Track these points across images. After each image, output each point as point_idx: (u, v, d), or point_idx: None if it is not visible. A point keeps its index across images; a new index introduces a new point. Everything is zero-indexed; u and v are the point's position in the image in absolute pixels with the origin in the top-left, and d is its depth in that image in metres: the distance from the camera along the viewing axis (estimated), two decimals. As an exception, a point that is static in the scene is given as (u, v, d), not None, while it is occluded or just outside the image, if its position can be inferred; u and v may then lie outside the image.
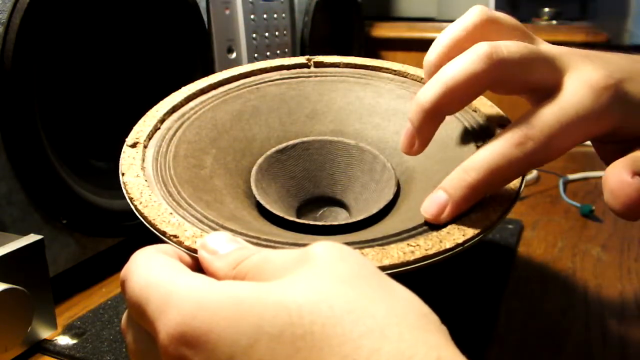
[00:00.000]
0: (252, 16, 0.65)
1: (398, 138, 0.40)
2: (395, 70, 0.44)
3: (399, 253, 0.27)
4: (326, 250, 0.23)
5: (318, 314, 0.20)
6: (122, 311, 0.41)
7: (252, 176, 0.37)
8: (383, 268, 0.27)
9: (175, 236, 0.29)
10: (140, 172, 0.33)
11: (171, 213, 0.30)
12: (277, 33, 0.70)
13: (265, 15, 0.67)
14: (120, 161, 0.34)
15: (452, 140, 0.38)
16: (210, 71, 0.59)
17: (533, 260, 0.50)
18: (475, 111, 0.39)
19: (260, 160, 0.39)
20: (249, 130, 0.41)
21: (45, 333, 0.38)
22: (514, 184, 0.32)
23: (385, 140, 0.41)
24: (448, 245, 0.28)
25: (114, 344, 0.37)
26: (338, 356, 0.19)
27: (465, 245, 0.28)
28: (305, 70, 0.45)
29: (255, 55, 0.66)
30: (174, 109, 0.40)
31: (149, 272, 0.24)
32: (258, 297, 0.21)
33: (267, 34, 0.68)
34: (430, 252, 0.27)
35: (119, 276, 0.26)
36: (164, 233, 0.29)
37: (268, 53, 0.68)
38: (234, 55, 0.63)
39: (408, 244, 0.28)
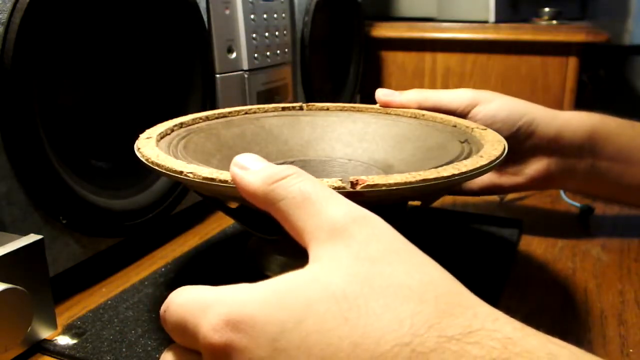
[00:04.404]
0: (252, 16, 0.64)
1: (386, 156, 0.45)
2: (379, 109, 0.50)
3: (402, 177, 0.30)
4: (361, 227, 0.24)
5: (360, 292, 0.21)
6: (122, 311, 0.41)
7: None
8: (388, 185, 0.29)
9: (192, 172, 0.31)
10: (155, 148, 0.36)
11: (186, 166, 0.32)
12: (277, 33, 0.70)
13: (265, 15, 0.67)
14: (135, 144, 0.38)
15: (437, 145, 0.42)
16: (211, 71, 0.59)
17: (533, 260, 0.50)
18: (455, 126, 0.45)
19: None
20: (250, 149, 0.44)
21: (45, 333, 0.38)
22: (499, 144, 0.38)
23: (375, 158, 0.46)
24: (445, 174, 0.31)
25: (114, 344, 0.37)
26: (385, 320, 0.20)
27: (462, 176, 0.32)
28: (300, 111, 0.51)
29: (255, 55, 0.66)
30: (181, 125, 0.44)
31: (185, 295, 0.25)
32: (300, 289, 0.22)
33: (267, 34, 0.68)
34: (430, 177, 0.30)
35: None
36: (180, 172, 0.31)
37: (268, 53, 0.68)
38: (234, 55, 0.63)
39: (409, 173, 0.31)
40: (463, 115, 0.49)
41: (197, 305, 0.23)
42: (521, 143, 0.49)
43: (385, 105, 0.50)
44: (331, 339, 0.20)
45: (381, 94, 0.50)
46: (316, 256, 0.23)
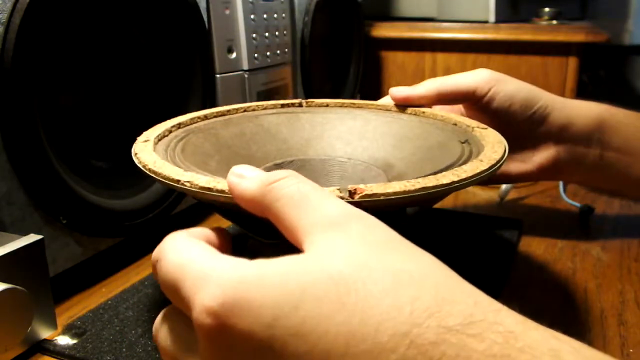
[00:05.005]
0: (252, 16, 0.64)
1: (386, 155, 0.45)
2: (379, 105, 0.50)
3: (400, 186, 0.29)
4: (357, 221, 0.24)
5: (358, 276, 0.21)
6: (122, 311, 0.41)
7: None
8: (387, 195, 0.29)
9: (189, 182, 0.30)
10: (153, 153, 0.36)
11: (183, 174, 0.32)
12: (277, 33, 0.70)
13: (265, 15, 0.67)
14: (132, 148, 0.37)
15: (438, 144, 0.42)
16: (210, 71, 0.59)
17: (533, 260, 0.50)
18: (456, 124, 0.44)
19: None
20: (249, 149, 0.44)
21: (45, 333, 0.38)
22: (499, 146, 0.37)
23: (375, 157, 0.45)
24: (444, 182, 0.31)
25: (114, 344, 0.37)
26: (383, 305, 0.20)
27: (461, 183, 0.32)
28: (299, 108, 0.50)
29: (255, 55, 0.66)
30: (179, 125, 0.44)
31: (182, 252, 0.24)
32: (298, 268, 0.21)
33: (267, 34, 0.68)
34: (429, 185, 0.30)
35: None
36: (177, 181, 0.31)
37: (268, 53, 0.68)
38: (234, 55, 0.63)
39: (408, 181, 0.30)
40: (482, 95, 0.48)
41: (193, 274, 0.23)
42: (534, 128, 0.49)
43: (404, 102, 0.48)
44: (328, 326, 0.20)
45: (396, 91, 0.49)
46: (312, 244, 0.23)
